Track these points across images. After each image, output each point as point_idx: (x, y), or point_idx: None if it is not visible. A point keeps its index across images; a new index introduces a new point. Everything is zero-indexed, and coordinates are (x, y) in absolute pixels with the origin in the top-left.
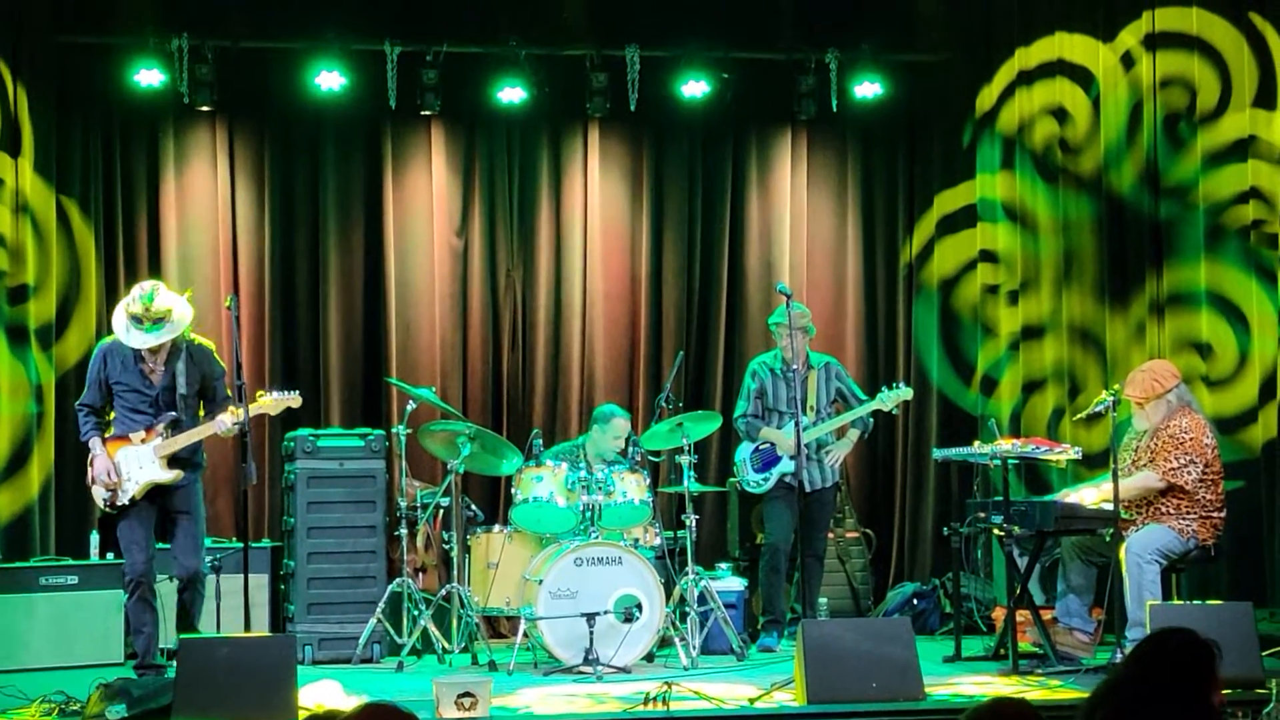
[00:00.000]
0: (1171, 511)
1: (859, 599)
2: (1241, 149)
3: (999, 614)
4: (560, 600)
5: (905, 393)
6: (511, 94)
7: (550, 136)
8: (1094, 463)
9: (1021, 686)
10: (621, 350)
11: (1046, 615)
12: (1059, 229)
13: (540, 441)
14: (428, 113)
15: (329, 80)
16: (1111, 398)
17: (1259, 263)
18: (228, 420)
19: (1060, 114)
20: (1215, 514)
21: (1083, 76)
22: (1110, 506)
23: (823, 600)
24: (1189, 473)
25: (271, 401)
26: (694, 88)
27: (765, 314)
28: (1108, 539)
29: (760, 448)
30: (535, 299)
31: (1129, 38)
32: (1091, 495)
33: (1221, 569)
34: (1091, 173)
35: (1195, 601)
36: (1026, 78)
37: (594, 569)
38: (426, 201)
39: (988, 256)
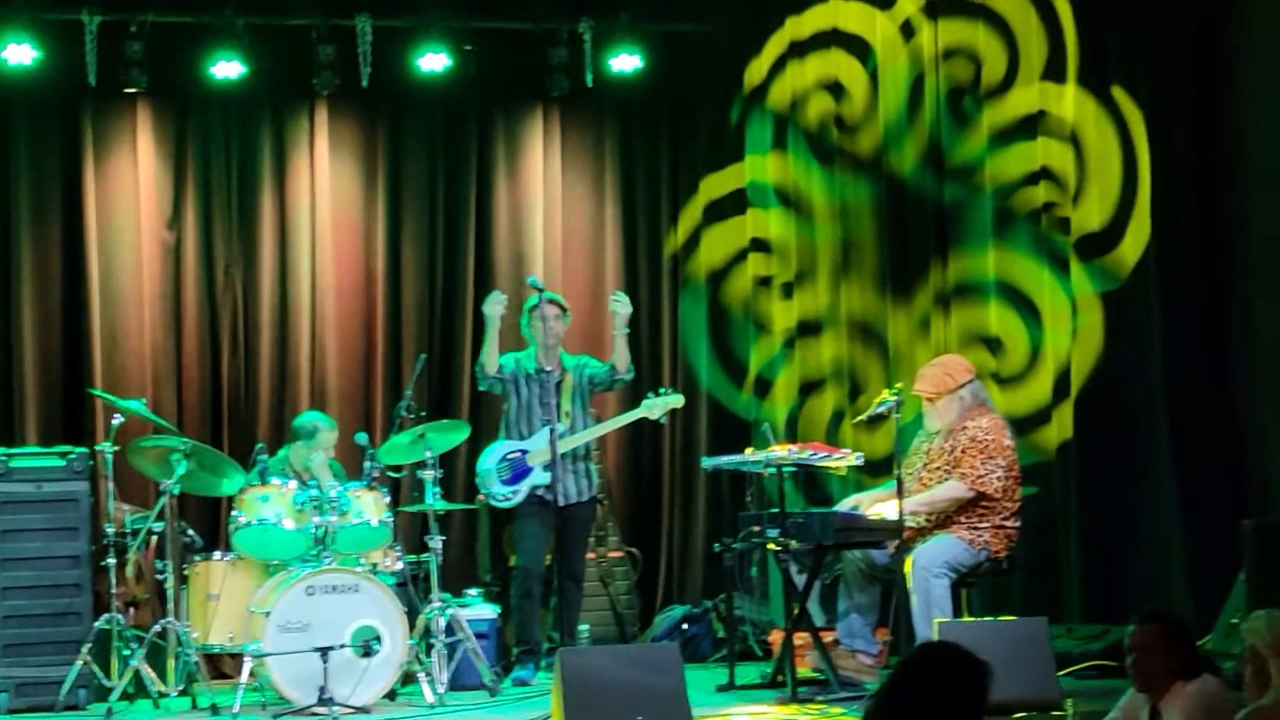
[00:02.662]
0: (962, 520)
1: (624, 625)
2: (1031, 126)
3: (776, 637)
4: (290, 634)
5: (674, 399)
6: (228, 69)
7: (272, 116)
8: (877, 469)
9: (800, 716)
10: (356, 354)
11: (827, 637)
12: (836, 215)
13: (265, 456)
14: (132, 90)
15: (18, 54)
16: (895, 398)
17: (1051, 249)
18: None
19: (836, 89)
20: (1009, 523)
21: (859, 48)
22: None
23: (583, 627)
24: (995, 479)
25: None
26: (433, 61)
27: (517, 311)
28: (891, 553)
29: (508, 456)
30: (258, 298)
31: (908, 5)
32: (892, 507)
33: (1015, 582)
34: (870, 153)
35: (987, 618)
36: (799, 49)
37: (327, 598)
38: (133, 190)
39: (759, 246)
